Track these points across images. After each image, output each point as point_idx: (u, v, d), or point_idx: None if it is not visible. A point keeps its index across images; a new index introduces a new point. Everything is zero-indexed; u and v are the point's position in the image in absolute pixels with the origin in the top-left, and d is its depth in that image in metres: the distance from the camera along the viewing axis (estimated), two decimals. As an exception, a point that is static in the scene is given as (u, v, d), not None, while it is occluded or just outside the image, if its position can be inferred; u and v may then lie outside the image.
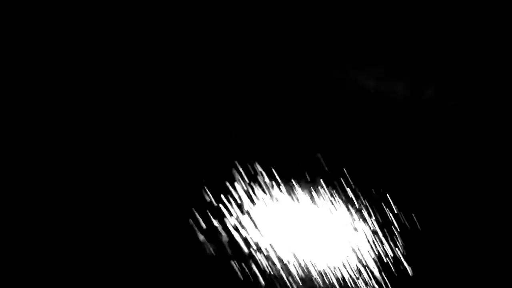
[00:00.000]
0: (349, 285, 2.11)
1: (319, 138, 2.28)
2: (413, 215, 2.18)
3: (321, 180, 2.21)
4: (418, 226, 2.17)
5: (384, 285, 2.11)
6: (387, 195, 2.20)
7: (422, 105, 2.31)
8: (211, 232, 2.14)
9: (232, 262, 2.11)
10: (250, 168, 2.20)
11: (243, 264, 2.11)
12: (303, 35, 2.35)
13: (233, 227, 2.14)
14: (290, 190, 2.21)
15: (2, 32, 2.28)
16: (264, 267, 2.12)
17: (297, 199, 2.20)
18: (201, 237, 2.12)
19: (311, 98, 2.32)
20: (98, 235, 2.13)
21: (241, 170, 2.19)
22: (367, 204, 2.19)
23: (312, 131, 2.29)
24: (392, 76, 2.33)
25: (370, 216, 2.18)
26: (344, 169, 2.22)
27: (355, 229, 2.17)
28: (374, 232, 2.15)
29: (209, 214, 2.15)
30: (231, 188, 2.18)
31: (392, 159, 2.26)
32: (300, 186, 2.21)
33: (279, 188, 2.20)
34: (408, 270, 2.12)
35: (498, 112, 2.30)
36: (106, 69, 2.30)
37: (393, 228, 2.17)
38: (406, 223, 2.16)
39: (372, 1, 2.35)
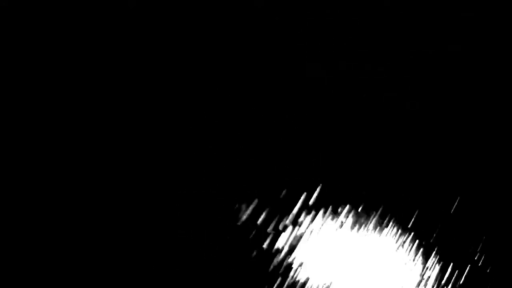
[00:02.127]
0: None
1: (319, 141, 2.28)
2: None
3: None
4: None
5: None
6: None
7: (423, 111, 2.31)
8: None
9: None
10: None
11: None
12: (303, 35, 2.35)
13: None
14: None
15: (2, 32, 2.28)
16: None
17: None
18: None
19: (310, 98, 2.32)
20: (97, 241, 2.13)
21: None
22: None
23: (312, 132, 2.29)
24: (394, 77, 2.33)
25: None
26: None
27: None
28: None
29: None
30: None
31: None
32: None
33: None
34: None
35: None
36: (106, 69, 2.30)
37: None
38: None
39: (372, 1, 2.35)
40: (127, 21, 2.33)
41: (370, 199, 2.22)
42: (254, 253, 2.13)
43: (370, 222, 2.19)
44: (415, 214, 2.20)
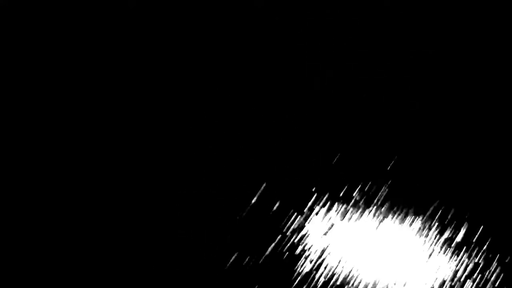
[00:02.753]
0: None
1: (320, 139, 2.28)
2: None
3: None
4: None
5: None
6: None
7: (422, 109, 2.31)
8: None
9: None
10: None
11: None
12: (303, 35, 2.35)
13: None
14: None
15: (2, 32, 2.28)
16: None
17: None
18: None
19: (310, 99, 2.32)
20: (98, 240, 2.13)
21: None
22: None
23: (312, 132, 2.29)
24: (394, 77, 2.33)
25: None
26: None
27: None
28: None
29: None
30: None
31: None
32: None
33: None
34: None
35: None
36: (106, 69, 2.30)
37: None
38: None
39: (372, 1, 2.35)
40: (127, 21, 2.33)
41: (369, 199, 2.22)
42: (254, 253, 2.13)
43: (365, 221, 2.19)
44: (414, 214, 2.21)
